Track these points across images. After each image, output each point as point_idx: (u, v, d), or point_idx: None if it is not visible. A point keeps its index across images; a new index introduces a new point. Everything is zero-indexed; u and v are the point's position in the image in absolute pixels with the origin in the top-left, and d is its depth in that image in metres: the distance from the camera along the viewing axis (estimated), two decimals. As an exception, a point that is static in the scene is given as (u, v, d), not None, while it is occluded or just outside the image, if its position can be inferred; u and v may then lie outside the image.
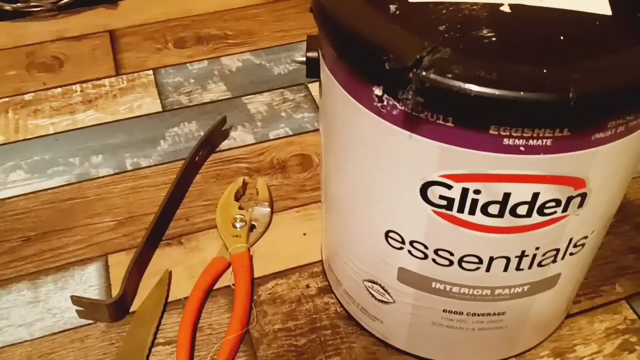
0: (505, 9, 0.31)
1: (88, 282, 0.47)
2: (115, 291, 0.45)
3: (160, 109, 0.61)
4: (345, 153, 0.35)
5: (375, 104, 0.30)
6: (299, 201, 0.53)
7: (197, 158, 0.55)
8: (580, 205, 0.32)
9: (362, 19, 0.29)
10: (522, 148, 0.28)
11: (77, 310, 0.44)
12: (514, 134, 0.27)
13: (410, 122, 0.29)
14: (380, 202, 0.34)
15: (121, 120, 0.60)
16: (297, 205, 0.52)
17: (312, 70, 0.35)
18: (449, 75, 0.26)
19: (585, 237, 0.35)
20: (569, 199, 0.31)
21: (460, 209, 0.31)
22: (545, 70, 0.26)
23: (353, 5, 0.30)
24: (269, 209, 0.51)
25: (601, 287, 0.46)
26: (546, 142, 0.28)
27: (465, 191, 0.30)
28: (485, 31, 0.30)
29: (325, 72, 0.33)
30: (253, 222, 0.50)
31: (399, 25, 0.29)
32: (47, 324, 0.44)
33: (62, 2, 0.71)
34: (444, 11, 0.31)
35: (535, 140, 0.28)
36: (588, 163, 0.29)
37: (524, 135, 0.27)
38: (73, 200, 0.52)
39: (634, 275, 0.47)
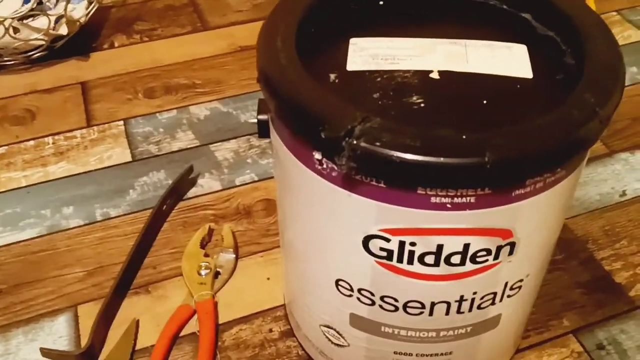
0: (435, 75, 0.34)
1: (57, 333, 0.48)
2: (84, 341, 0.47)
3: (130, 159, 0.63)
4: (295, 206, 0.37)
5: (316, 166, 0.32)
6: (263, 246, 0.55)
7: (164, 207, 0.57)
8: (511, 252, 0.34)
9: (301, 88, 0.32)
10: (448, 205, 0.30)
11: (46, 362, 0.45)
12: (440, 193, 0.30)
13: (347, 183, 0.31)
14: (329, 253, 0.36)
15: (92, 171, 0.62)
16: (261, 250, 0.55)
17: (263, 131, 0.38)
18: (378, 144, 0.29)
19: (521, 280, 0.37)
20: (499, 247, 0.34)
21: (400, 259, 0.34)
22: (464, 137, 0.29)
23: (294, 75, 0.32)
24: (234, 255, 0.53)
25: (549, 322, 0.49)
26: (470, 199, 0.30)
27: (402, 243, 0.33)
28: (415, 98, 0.33)
29: (273, 134, 0.36)
30: (218, 269, 0.52)
31: (335, 95, 0.31)
32: (18, 376, 0.46)
33: (35, 55, 0.73)
34: (379, 79, 0.34)
35: (459, 198, 0.30)
36: (512, 216, 0.32)
37: (449, 194, 0.30)
38: (44, 252, 0.54)
39: (581, 309, 0.50)
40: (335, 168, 0.31)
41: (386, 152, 0.29)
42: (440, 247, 0.33)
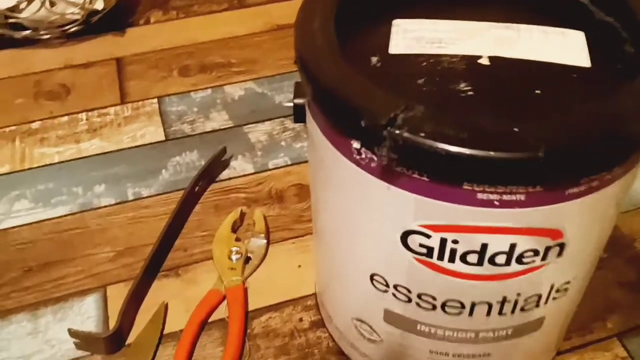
0: (484, 61, 0.32)
1: (86, 313, 0.48)
2: (113, 323, 0.46)
3: (163, 138, 0.62)
4: (330, 195, 0.35)
5: (354, 155, 0.30)
6: (295, 232, 0.53)
7: (196, 188, 0.56)
8: (559, 254, 0.32)
9: (340, 74, 0.30)
10: (496, 202, 0.28)
11: (74, 343, 0.45)
12: (488, 190, 0.28)
13: (387, 175, 0.30)
14: (364, 246, 0.35)
15: (124, 149, 0.61)
16: (293, 237, 0.53)
17: (299, 116, 0.36)
18: (421, 134, 0.27)
19: (568, 282, 0.35)
20: (547, 248, 0.31)
21: (440, 257, 0.32)
22: (516, 129, 0.27)
23: (333, 58, 0.31)
24: (265, 241, 0.52)
25: (592, 324, 0.46)
26: (519, 197, 0.28)
27: (443, 241, 0.31)
28: (462, 85, 0.30)
29: (309, 119, 0.34)
30: (249, 254, 0.51)
31: (377, 80, 0.29)
32: (45, 356, 0.45)
33: (71, 30, 0.72)
34: (424, 63, 0.32)
35: (508, 195, 0.28)
36: (563, 216, 0.30)
37: (497, 190, 0.28)
38: (74, 231, 0.54)
39: (626, 311, 0.47)
40: (375, 158, 0.29)
41: (430, 144, 0.27)
42: (484, 246, 0.31)
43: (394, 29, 0.34)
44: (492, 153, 0.26)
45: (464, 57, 0.32)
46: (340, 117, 0.29)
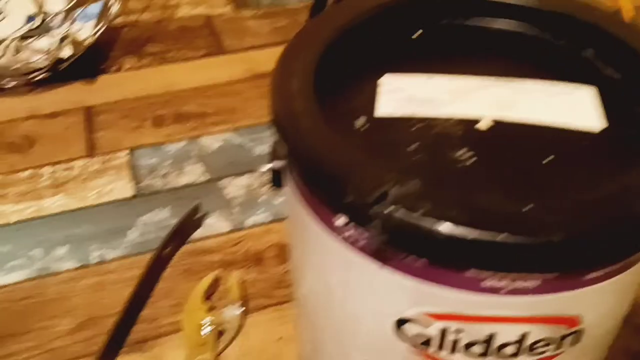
0: (484, 125, 0.28)
1: (38, 397, 0.43)
2: (67, 409, 0.41)
3: (133, 194, 0.58)
4: (311, 271, 0.31)
5: (339, 232, 0.26)
6: (275, 299, 0.49)
7: (166, 251, 0.51)
8: (575, 342, 0.28)
9: (320, 141, 0.26)
10: (505, 290, 0.24)
11: None
12: (495, 277, 0.24)
13: (378, 256, 0.25)
14: (352, 333, 0.30)
15: (89, 207, 0.56)
16: (273, 304, 0.48)
17: (277, 180, 0.32)
18: (417, 213, 0.23)
19: (583, 371, 0.31)
20: (562, 337, 0.27)
21: (440, 347, 0.28)
22: (526, 208, 0.23)
23: (311, 123, 0.27)
24: (241, 310, 0.47)
25: (604, 404, 0.42)
26: (532, 284, 0.24)
27: (444, 330, 0.27)
28: (460, 153, 0.27)
29: (288, 186, 0.30)
30: (222, 327, 0.46)
31: (362, 147, 0.26)
32: None
33: (37, 78, 0.68)
34: (415, 128, 0.28)
35: (519, 283, 0.24)
36: (582, 302, 0.26)
37: (507, 278, 0.24)
38: (30, 300, 0.49)
39: (638, 387, 0.43)
40: (363, 236, 0.25)
41: (428, 225, 0.23)
42: (491, 337, 0.26)
43: (381, 88, 0.30)
44: (501, 237, 0.22)
45: (461, 121, 0.28)
46: (323, 189, 0.25)
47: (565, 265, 0.23)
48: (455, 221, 0.22)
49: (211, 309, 0.47)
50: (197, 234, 0.54)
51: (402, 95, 0.29)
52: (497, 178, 0.25)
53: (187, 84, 0.70)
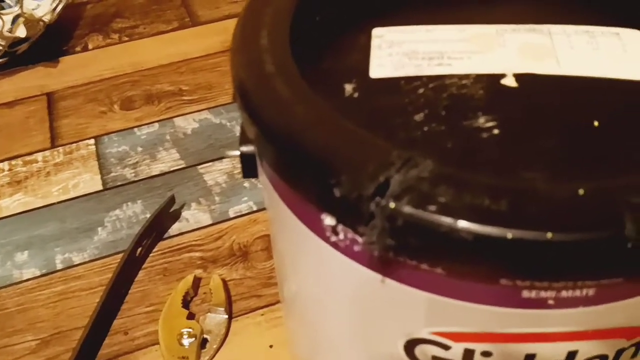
0: (509, 82, 0.22)
1: None
2: None
3: (101, 188, 0.51)
4: (298, 280, 0.25)
5: (328, 234, 0.20)
6: (264, 300, 0.43)
7: (139, 250, 0.45)
8: (635, 354, 0.22)
9: (298, 113, 0.20)
10: (551, 302, 0.18)
11: None
12: (538, 286, 0.18)
13: (380, 264, 0.19)
14: (353, 355, 0.24)
15: (54, 204, 0.50)
16: (262, 306, 0.42)
17: (250, 169, 0.25)
18: (432, 207, 0.17)
19: (640, 383, 0.25)
20: (619, 352, 0.21)
21: (463, 372, 0.22)
22: (582, 191, 0.17)
23: (287, 88, 0.20)
24: (226, 316, 0.41)
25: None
26: (587, 292, 0.18)
27: (469, 353, 0.21)
28: (482, 120, 0.20)
29: (262, 176, 0.24)
30: (205, 335, 0.40)
31: (354, 120, 0.19)
32: None
33: (-8, 63, 0.61)
34: (422, 90, 0.22)
35: (570, 292, 0.18)
36: (648, 308, 0.20)
37: (554, 286, 0.18)
38: (-14, 315, 0.43)
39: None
40: (360, 241, 0.19)
41: (446, 223, 0.16)
42: (530, 358, 0.21)
43: (375, 42, 0.24)
44: (549, 235, 0.16)
45: (480, 78, 0.22)
46: (303, 180, 0.19)
47: (635, 268, 0.17)
48: (484, 217, 0.16)
49: (192, 315, 0.41)
50: (175, 228, 0.48)
51: (402, 50, 0.23)
52: (536, 152, 0.19)
53: (158, 61, 0.64)
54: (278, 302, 0.42)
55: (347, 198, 0.17)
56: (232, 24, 0.69)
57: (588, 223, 0.16)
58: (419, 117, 0.21)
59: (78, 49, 0.66)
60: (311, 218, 0.20)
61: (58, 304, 0.43)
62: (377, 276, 0.20)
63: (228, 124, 0.57)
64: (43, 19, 0.62)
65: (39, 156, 0.54)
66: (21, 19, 0.59)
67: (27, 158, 0.54)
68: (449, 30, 0.24)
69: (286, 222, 0.22)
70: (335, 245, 0.20)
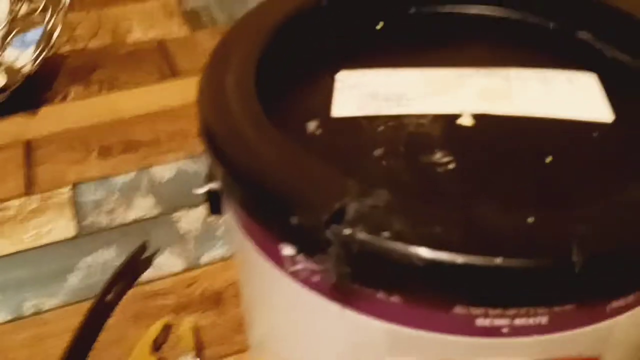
0: (466, 121, 0.22)
1: None
2: None
3: (74, 234, 0.51)
4: (261, 316, 0.25)
5: (287, 265, 0.20)
6: (236, 346, 0.42)
7: (109, 295, 0.45)
8: (594, 389, 0.22)
9: (260, 146, 0.20)
10: (504, 330, 0.19)
11: None
12: (492, 313, 0.18)
13: (339, 294, 0.20)
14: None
15: (26, 250, 0.50)
16: (233, 352, 0.42)
17: (216, 206, 0.26)
18: (387, 234, 0.17)
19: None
20: (578, 385, 0.21)
21: (425, 406, 0.22)
22: (531, 220, 0.17)
23: (251, 124, 0.21)
24: (196, 362, 0.41)
25: None
26: (540, 320, 0.18)
27: (429, 385, 0.21)
28: (438, 155, 0.21)
29: (227, 212, 0.24)
30: (175, 382, 0.39)
31: (316, 155, 0.20)
32: None
33: (-29, 111, 0.62)
34: (381, 128, 0.22)
35: (524, 319, 0.18)
36: (602, 338, 0.20)
37: (507, 314, 0.18)
38: (-51, 363, 0.42)
39: None
40: (317, 269, 0.19)
41: (399, 249, 0.17)
42: (489, 390, 0.21)
43: (338, 84, 0.25)
44: (500, 261, 0.16)
45: (437, 117, 0.23)
46: (262, 210, 0.20)
47: (585, 294, 0.18)
48: (438, 243, 0.17)
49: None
50: (147, 275, 0.48)
51: (363, 91, 0.24)
52: (488, 185, 0.20)
53: (137, 111, 0.64)
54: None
55: (304, 225, 0.18)
56: (211, 75, 0.70)
57: (537, 249, 0.16)
58: (377, 153, 0.21)
59: (58, 99, 0.67)
60: (271, 249, 0.21)
61: (26, 349, 0.42)
62: (336, 307, 0.20)
63: (204, 171, 0.57)
64: (23, 69, 0.63)
65: (15, 202, 0.54)
66: (2, 68, 0.60)
67: (2, 204, 0.54)
68: (410, 73, 0.25)
69: (248, 257, 0.23)
70: (294, 275, 0.20)
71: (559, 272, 0.16)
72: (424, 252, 0.17)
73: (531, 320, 0.18)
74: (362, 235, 0.17)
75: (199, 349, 0.42)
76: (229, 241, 0.26)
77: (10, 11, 0.61)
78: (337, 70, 0.25)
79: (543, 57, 0.26)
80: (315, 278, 0.20)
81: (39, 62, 0.64)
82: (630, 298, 0.19)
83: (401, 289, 0.18)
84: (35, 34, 0.65)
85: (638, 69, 0.25)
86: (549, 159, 0.21)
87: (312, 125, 0.23)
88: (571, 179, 0.20)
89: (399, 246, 0.17)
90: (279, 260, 0.20)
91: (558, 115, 0.22)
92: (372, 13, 0.29)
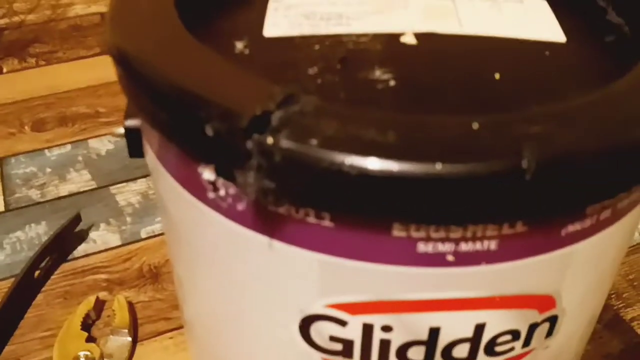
0: (409, 39, 0.20)
1: None
2: None
3: (2, 209, 0.48)
4: (188, 265, 0.23)
5: (208, 193, 0.18)
6: (173, 322, 0.40)
7: (36, 272, 0.41)
8: (550, 333, 0.20)
9: (176, 60, 0.18)
10: (449, 257, 0.16)
11: None
12: (435, 235, 0.16)
13: (265, 222, 0.17)
14: (246, 346, 0.22)
15: (-53, 225, 0.46)
16: (171, 329, 0.39)
17: (135, 146, 0.23)
18: (314, 141, 0.15)
19: (559, 374, 0.23)
20: (532, 327, 0.20)
21: (366, 356, 0.19)
22: (475, 125, 0.15)
23: (171, 43, 0.18)
24: (129, 339, 0.37)
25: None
26: (489, 244, 0.16)
27: (368, 328, 0.19)
28: (378, 72, 0.19)
29: (146, 147, 0.22)
30: (105, 359, 0.36)
31: (242, 68, 0.17)
32: None
33: None
34: (317, 47, 0.20)
35: (470, 243, 0.16)
36: (558, 271, 0.18)
37: (451, 236, 0.16)
38: None
39: (615, 393, 0.36)
40: (239, 193, 0.17)
41: (329, 157, 0.15)
42: (434, 333, 0.19)
43: (272, 4, 0.22)
44: (440, 166, 0.14)
45: (378, 36, 0.20)
46: (177, 126, 0.17)
47: (536, 210, 0.15)
48: (368, 149, 0.14)
49: (92, 338, 0.37)
50: (80, 250, 0.44)
51: (299, 11, 0.22)
52: (431, 101, 0.18)
53: (76, 85, 0.61)
54: (188, 323, 0.39)
55: (221, 135, 0.15)
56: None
57: (482, 153, 0.14)
58: (312, 70, 0.19)
59: (-9, 72, 0.63)
60: (191, 177, 0.18)
61: (-59, 330, 0.39)
62: (263, 239, 0.18)
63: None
64: (-49, 37, 0.58)
65: (-63, 177, 0.50)
66: None
67: None
68: (350, -3, 0.23)
69: (170, 197, 0.20)
70: (216, 206, 0.18)
71: (507, 179, 0.14)
72: (356, 159, 0.14)
73: (478, 246, 0.16)
74: (286, 143, 0.15)
75: (134, 326, 0.39)
76: (154, 187, 0.23)
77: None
78: (270, -7, 0.23)
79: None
80: (238, 206, 0.17)
81: (-32, 33, 0.60)
82: (587, 222, 0.17)
83: (332, 208, 0.16)
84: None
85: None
86: (497, 76, 0.19)
87: (240, 45, 0.20)
88: (521, 94, 0.18)
89: (328, 154, 0.15)
90: (199, 189, 0.18)
91: (507, 34, 0.20)
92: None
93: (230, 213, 0.18)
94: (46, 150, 0.53)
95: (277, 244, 0.18)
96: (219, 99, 0.16)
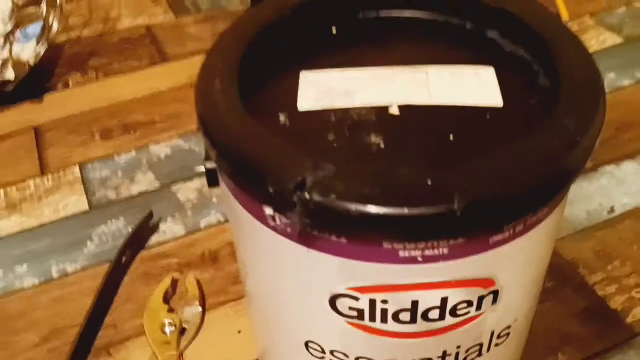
0: (394, 110, 0.30)
1: (9, 410, 0.44)
2: (38, 419, 0.42)
3: (87, 208, 0.59)
4: (252, 261, 0.33)
5: (269, 222, 0.28)
6: (232, 295, 0.51)
7: (123, 259, 0.53)
8: (495, 301, 0.31)
9: (242, 136, 0.28)
10: (419, 258, 0.27)
11: None
12: (409, 247, 0.26)
13: (305, 239, 0.28)
14: (294, 314, 0.33)
15: (47, 224, 0.58)
16: (231, 300, 0.50)
17: (213, 180, 0.34)
18: (333, 196, 0.25)
19: (509, 327, 0.33)
20: (481, 298, 0.30)
21: (372, 319, 0.30)
22: (429, 181, 0.25)
23: (235, 118, 0.29)
24: (200, 309, 0.49)
25: (546, 359, 0.45)
26: (443, 250, 0.27)
27: (373, 302, 0.29)
28: (373, 138, 0.29)
29: (222, 184, 0.32)
30: (184, 325, 0.48)
31: (286, 140, 0.28)
32: None
33: (-17, 102, 0.69)
34: (333, 118, 0.30)
35: (431, 250, 0.27)
36: (492, 264, 0.28)
37: (419, 247, 0.26)
38: (-6, 319, 0.50)
39: (579, 342, 0.46)
40: (290, 224, 0.27)
41: (342, 205, 0.25)
42: (415, 304, 0.29)
43: (302, 82, 0.32)
44: (406, 210, 0.25)
45: (374, 108, 0.31)
46: (248, 183, 0.27)
47: (468, 231, 0.26)
48: (365, 199, 0.25)
49: (171, 309, 0.49)
50: (153, 240, 0.56)
51: (321, 89, 0.32)
52: (407, 158, 0.28)
53: (132, 95, 0.72)
54: (243, 296, 0.50)
55: (277, 193, 0.26)
56: (198, 60, 0.78)
57: (431, 200, 0.25)
58: (330, 137, 0.29)
59: (60, 86, 0.74)
60: (257, 211, 0.28)
61: (56, 306, 0.51)
62: (303, 249, 0.28)
63: (197, 148, 0.65)
64: (29, 61, 0.69)
65: (31, 183, 0.62)
66: (10, 62, 0.67)
67: (21, 185, 0.62)
68: (355, 73, 0.33)
69: (241, 218, 0.31)
70: (274, 229, 0.28)
71: (447, 215, 0.24)
72: (359, 207, 0.25)
73: (436, 251, 0.26)
74: (316, 197, 0.25)
75: (203, 299, 0.50)
76: (225, 208, 0.34)
77: (13, 9, 0.67)
78: (301, 70, 0.33)
79: (459, 54, 0.34)
80: (289, 230, 0.28)
81: (41, 54, 0.71)
82: (507, 234, 0.27)
83: (346, 233, 0.26)
84: (35, 27, 0.72)
85: (528, 61, 0.33)
86: (452, 137, 0.29)
87: (282, 117, 0.30)
88: (465, 150, 0.28)
89: (340, 204, 0.25)
90: (262, 219, 0.28)
91: (463, 102, 0.30)
92: (327, 19, 0.36)
93: (283, 232, 0.28)
94: (115, 156, 0.64)
95: (313, 252, 0.28)
96: (277, 170, 0.26)
